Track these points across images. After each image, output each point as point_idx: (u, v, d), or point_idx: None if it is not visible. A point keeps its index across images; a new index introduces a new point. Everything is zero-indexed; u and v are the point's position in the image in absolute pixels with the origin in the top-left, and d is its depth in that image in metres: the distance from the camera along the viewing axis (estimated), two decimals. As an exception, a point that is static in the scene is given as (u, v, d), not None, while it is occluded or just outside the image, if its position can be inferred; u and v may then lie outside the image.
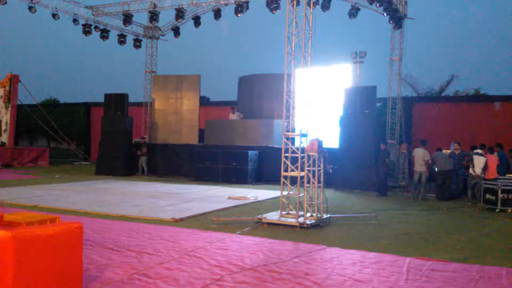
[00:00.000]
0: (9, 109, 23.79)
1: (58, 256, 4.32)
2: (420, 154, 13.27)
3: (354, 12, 17.23)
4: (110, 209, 9.89)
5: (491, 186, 11.21)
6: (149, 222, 8.70)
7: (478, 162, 12.02)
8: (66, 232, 4.48)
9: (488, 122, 19.42)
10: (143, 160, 18.96)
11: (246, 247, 6.77)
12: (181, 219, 8.91)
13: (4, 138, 23.81)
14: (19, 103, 24.55)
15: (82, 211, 9.70)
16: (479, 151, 12.31)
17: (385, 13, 16.45)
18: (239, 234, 7.73)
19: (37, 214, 6.43)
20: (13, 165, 22.12)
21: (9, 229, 4.05)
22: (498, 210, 10.86)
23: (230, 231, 7.92)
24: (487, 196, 11.27)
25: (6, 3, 17.47)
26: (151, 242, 6.94)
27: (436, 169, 13.17)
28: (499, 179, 11.59)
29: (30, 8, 18.22)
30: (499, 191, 10.90)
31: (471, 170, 12.23)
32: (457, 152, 13.80)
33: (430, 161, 13.20)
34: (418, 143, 14.18)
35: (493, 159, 12.17)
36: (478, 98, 25.63)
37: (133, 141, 20.35)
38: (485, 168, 11.91)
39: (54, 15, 18.91)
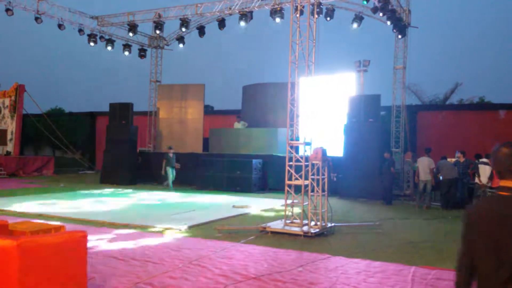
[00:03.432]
0: (15, 118, 23.94)
1: (62, 265, 4.33)
2: (425, 163, 13.23)
3: (357, 20, 17.29)
4: (114, 218, 9.91)
5: (496, 195, 11.13)
6: (154, 231, 8.71)
7: (484, 171, 11.97)
8: (70, 241, 4.50)
9: (492, 130, 19.34)
10: (172, 173, 16.79)
11: (250, 256, 6.76)
12: (186, 228, 8.91)
13: (10, 147, 23.94)
14: (24, 112, 24.71)
15: (87, 220, 9.72)
16: (484, 160, 12.27)
17: (388, 22, 16.48)
18: (244, 243, 7.72)
19: (42, 223, 6.44)
20: (18, 174, 22.20)
21: (14, 238, 4.07)
22: (504, 218, 10.78)
23: (235, 240, 7.91)
24: (493, 204, 11.18)
25: (13, 14, 17.65)
26: (155, 251, 6.95)
27: (441, 178, 13.13)
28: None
29: (36, 18, 18.37)
30: (505, 200, 10.82)
31: (477, 180, 12.18)
32: (461, 161, 13.75)
33: (435, 169, 13.16)
34: (423, 151, 14.14)
35: (498, 167, 12.10)
36: (482, 106, 25.58)
37: (138, 150, 20.40)
38: (491, 177, 11.84)
39: (60, 26, 19.06)
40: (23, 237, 4.34)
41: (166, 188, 16.81)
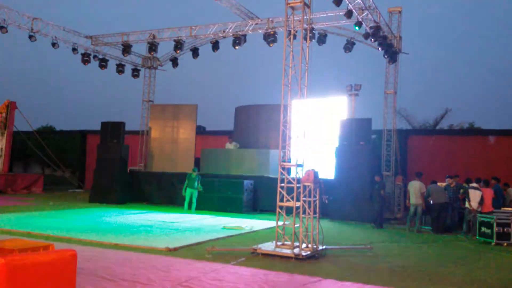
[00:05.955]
0: (5, 135, 23.78)
1: (51, 284, 4.26)
2: (416, 187, 13.28)
3: (349, 46, 17.53)
4: (103, 237, 9.79)
5: (486, 220, 11.21)
6: (143, 251, 8.61)
7: (474, 196, 12.06)
8: (59, 259, 4.44)
9: (482, 155, 19.53)
10: (193, 195, 16.14)
11: (240, 278, 6.70)
12: (175, 249, 8.82)
13: (-1, 164, 23.70)
14: (15, 129, 24.56)
15: (75, 238, 9.59)
16: (474, 185, 12.36)
17: (380, 48, 16.75)
18: (234, 264, 7.66)
19: (31, 241, 6.37)
20: (6, 191, 21.93)
21: (1, 256, 4.01)
22: (494, 243, 10.83)
23: (225, 261, 7.84)
24: (483, 229, 11.25)
25: (7, 31, 17.66)
26: (144, 272, 6.86)
27: (431, 202, 13.18)
28: (495, 212, 11.60)
29: (30, 36, 18.39)
30: (495, 225, 10.90)
31: (467, 204, 12.26)
32: (452, 185, 13.84)
33: (425, 193, 13.21)
34: (413, 175, 14.22)
35: (489, 192, 12.21)
36: (472, 131, 25.88)
37: (128, 170, 20.28)
38: (481, 202, 11.94)
39: (53, 44, 19.08)
40: (11, 255, 4.29)
41: (189, 211, 15.91)
